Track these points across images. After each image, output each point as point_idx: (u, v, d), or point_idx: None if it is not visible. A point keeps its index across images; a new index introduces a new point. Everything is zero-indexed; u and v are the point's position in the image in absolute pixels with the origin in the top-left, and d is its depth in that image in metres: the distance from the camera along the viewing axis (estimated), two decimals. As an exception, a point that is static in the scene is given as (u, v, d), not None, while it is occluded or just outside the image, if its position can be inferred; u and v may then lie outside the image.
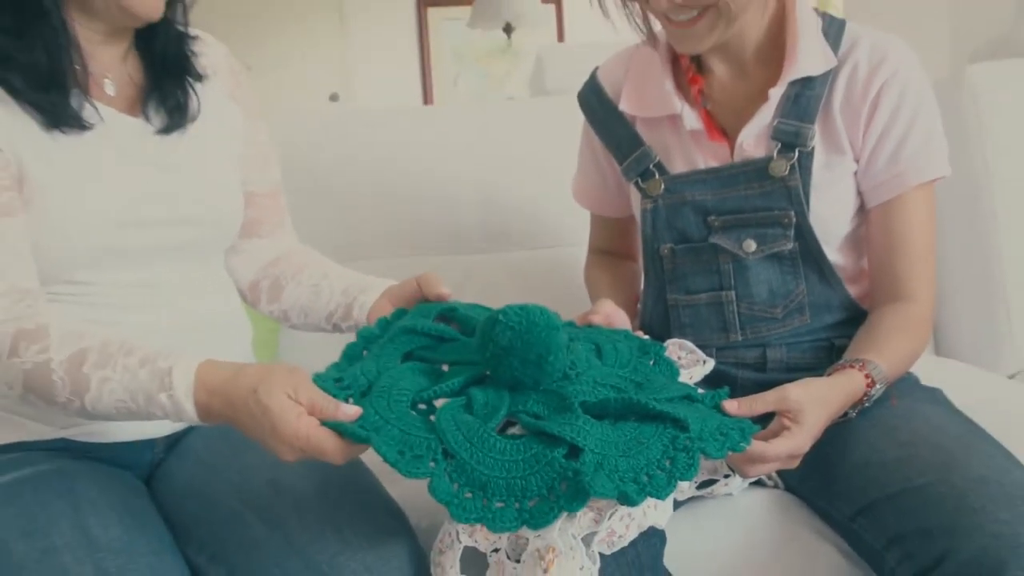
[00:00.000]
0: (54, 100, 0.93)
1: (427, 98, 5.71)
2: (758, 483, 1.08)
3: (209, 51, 1.12)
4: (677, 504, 1.01)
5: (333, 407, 0.81)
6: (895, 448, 0.98)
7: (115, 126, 0.99)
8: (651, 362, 0.98)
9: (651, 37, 1.16)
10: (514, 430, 0.84)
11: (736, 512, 1.05)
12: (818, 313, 1.12)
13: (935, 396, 1.11)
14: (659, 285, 1.18)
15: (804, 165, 1.09)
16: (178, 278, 1.05)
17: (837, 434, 1.01)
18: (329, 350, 0.98)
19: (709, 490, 1.02)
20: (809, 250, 1.10)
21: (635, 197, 1.20)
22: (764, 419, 0.95)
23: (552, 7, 5.57)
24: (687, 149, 1.15)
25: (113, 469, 1.00)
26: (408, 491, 0.97)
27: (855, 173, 1.11)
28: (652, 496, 0.78)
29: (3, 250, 0.90)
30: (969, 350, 1.64)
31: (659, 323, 1.19)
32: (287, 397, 0.80)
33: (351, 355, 0.94)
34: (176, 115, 1.04)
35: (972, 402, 1.13)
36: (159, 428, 1.03)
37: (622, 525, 0.84)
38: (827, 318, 1.13)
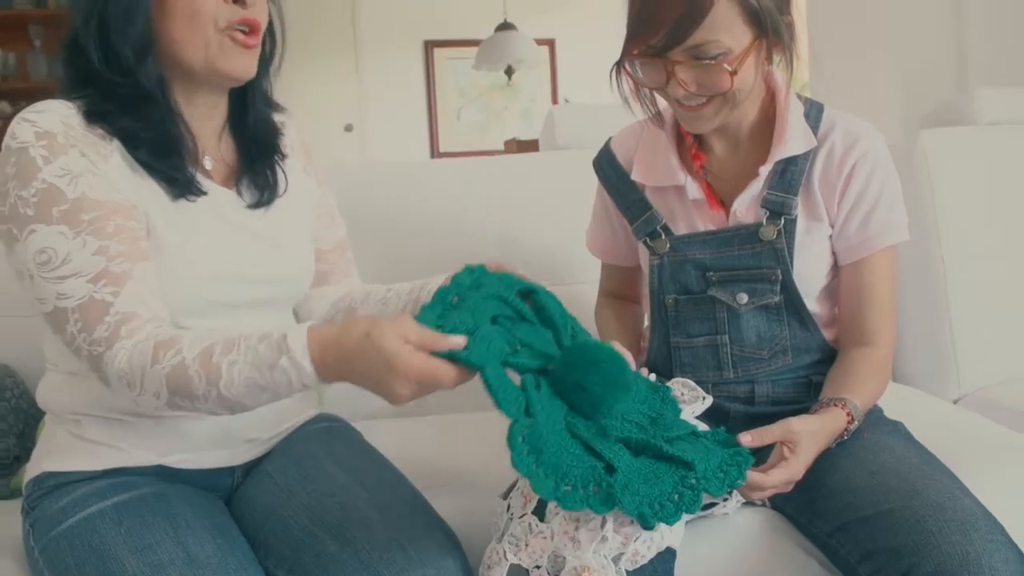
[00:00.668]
0: (176, 173, 0.97)
1: (432, 129, 5.73)
2: (749, 503, 1.12)
3: (288, 129, 1.15)
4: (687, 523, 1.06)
5: (441, 338, 0.81)
6: (866, 476, 1.03)
7: (216, 196, 1.03)
8: (660, 399, 1.02)
9: (658, 117, 1.20)
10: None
11: (732, 529, 1.09)
12: (798, 354, 1.17)
13: (897, 429, 1.16)
14: (664, 329, 1.22)
15: (789, 230, 1.14)
16: (258, 326, 1.08)
17: (818, 462, 1.05)
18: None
19: (710, 511, 1.07)
20: (792, 302, 1.15)
21: (643, 253, 1.24)
22: (765, 447, 1.01)
23: (546, 48, 5.61)
24: (689, 214, 1.19)
25: (200, 491, 1.03)
26: (456, 514, 1.01)
27: (830, 236, 1.16)
28: (662, 522, 0.84)
29: (147, 287, 0.93)
30: (920, 378, 1.69)
31: (663, 362, 1.23)
32: (397, 337, 0.80)
33: (443, 297, 0.90)
34: (266, 193, 1.07)
35: (922, 424, 1.19)
36: (237, 457, 1.07)
37: (644, 547, 0.89)
38: (806, 358, 1.18)
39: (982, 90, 1.81)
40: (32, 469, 1.05)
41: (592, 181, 1.36)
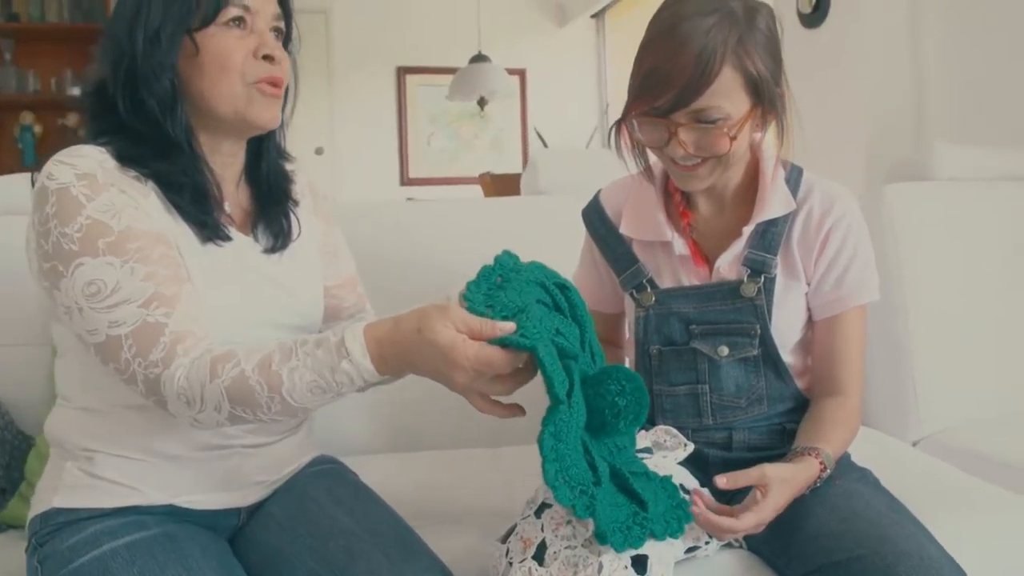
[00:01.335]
0: (208, 218, 1.01)
1: (403, 155, 5.78)
2: (728, 545, 1.18)
3: (298, 177, 1.20)
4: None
5: (491, 326, 0.84)
6: (838, 522, 1.08)
7: (237, 241, 1.06)
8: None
9: (648, 173, 1.26)
10: None
11: (714, 570, 1.14)
12: (773, 403, 1.23)
13: (866, 476, 1.22)
14: (647, 377, 1.26)
15: (768, 288, 1.20)
16: None
17: (792, 507, 1.10)
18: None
19: (692, 554, 1.12)
20: (769, 354, 1.21)
21: (629, 303, 1.29)
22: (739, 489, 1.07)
23: (517, 78, 5.71)
24: (675, 269, 1.24)
25: (206, 531, 1.06)
26: (457, 555, 1.06)
27: (806, 294, 1.22)
28: (612, 545, 0.90)
29: (196, 307, 0.96)
30: (881, 420, 1.77)
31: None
32: (447, 327, 0.83)
33: (487, 276, 0.93)
34: (280, 238, 1.12)
35: (884, 468, 1.25)
36: (244, 499, 1.10)
37: None
38: (780, 407, 1.24)
39: (941, 147, 1.92)
40: (39, 504, 1.07)
41: (573, 226, 1.41)
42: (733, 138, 1.11)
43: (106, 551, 0.98)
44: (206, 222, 1.01)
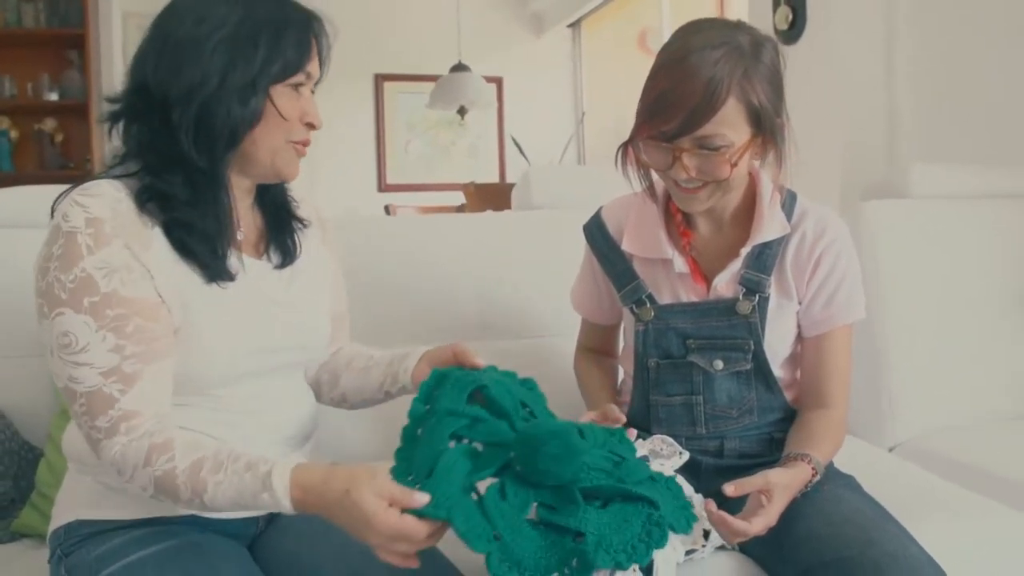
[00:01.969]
0: (216, 260, 1.05)
1: (380, 161, 5.81)
2: (721, 547, 1.23)
3: (304, 205, 1.25)
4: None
5: (409, 497, 0.90)
6: (826, 526, 1.15)
7: (249, 269, 1.11)
8: (618, 440, 1.11)
9: (652, 193, 1.31)
10: (532, 512, 0.98)
11: (710, 571, 1.20)
12: (763, 414, 1.30)
13: (850, 483, 1.29)
14: (644, 388, 1.33)
15: (762, 306, 1.27)
16: (280, 387, 1.17)
17: (783, 512, 1.16)
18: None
19: (690, 556, 1.18)
20: (761, 368, 1.28)
21: (628, 317, 1.35)
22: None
23: (494, 86, 5.77)
24: (674, 286, 1.30)
25: (227, 539, 1.10)
26: (465, 558, 1.10)
27: (797, 312, 1.29)
28: (636, 562, 0.94)
29: (157, 386, 1.01)
30: (859, 426, 1.83)
31: (641, 417, 1.34)
32: (373, 495, 0.90)
33: (408, 435, 1.02)
34: (288, 254, 1.17)
35: (861, 469, 1.32)
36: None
37: None
38: (769, 417, 1.31)
39: (915, 166, 2.01)
40: (61, 516, 1.11)
41: (564, 241, 1.46)
42: (734, 164, 1.17)
43: (134, 560, 1.02)
44: (209, 265, 1.05)
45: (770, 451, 1.30)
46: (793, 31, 2.89)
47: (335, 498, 0.92)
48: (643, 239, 1.33)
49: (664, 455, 1.23)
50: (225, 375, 1.08)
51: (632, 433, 1.17)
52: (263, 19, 1.04)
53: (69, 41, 4.71)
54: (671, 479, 1.09)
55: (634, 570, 0.97)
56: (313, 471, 0.96)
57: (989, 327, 1.95)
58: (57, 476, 1.32)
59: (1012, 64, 2.42)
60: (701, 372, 1.29)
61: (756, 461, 1.28)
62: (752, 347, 1.27)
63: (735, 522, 1.09)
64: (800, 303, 1.29)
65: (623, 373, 1.48)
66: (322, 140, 5.73)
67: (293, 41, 1.05)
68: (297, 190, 1.25)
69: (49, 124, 4.76)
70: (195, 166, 1.03)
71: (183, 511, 1.07)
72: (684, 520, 1.01)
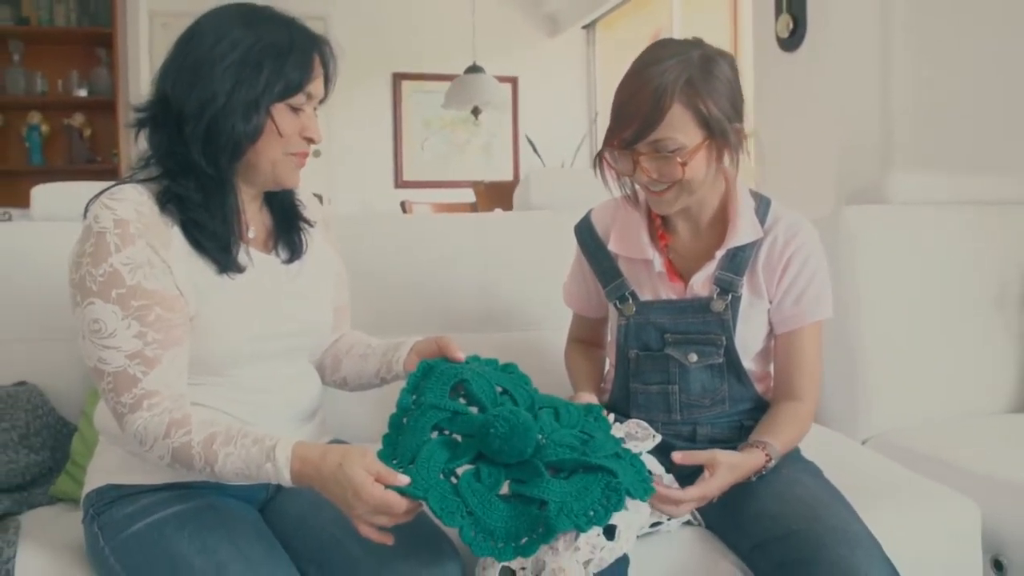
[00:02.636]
0: (227, 255, 1.17)
1: (397, 158, 5.92)
2: (688, 523, 1.35)
3: (311, 206, 1.37)
4: (638, 537, 1.28)
5: (392, 476, 1.03)
6: (780, 504, 1.25)
7: (258, 263, 1.23)
8: (593, 419, 1.23)
9: (635, 199, 1.41)
10: (505, 488, 1.10)
11: (674, 542, 1.31)
12: (734, 403, 1.40)
13: (810, 468, 1.39)
14: (625, 377, 1.44)
15: (734, 305, 1.36)
16: (287, 369, 1.29)
17: (743, 491, 1.27)
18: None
19: (656, 528, 1.29)
20: (732, 362, 1.38)
21: (612, 312, 1.46)
22: (694, 473, 1.24)
23: (509, 86, 5.87)
24: (654, 283, 1.41)
25: (242, 503, 1.22)
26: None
27: (768, 310, 1.39)
28: (596, 525, 1.06)
29: (174, 370, 1.13)
30: (834, 419, 1.93)
31: (622, 403, 1.45)
32: (363, 469, 1.02)
33: (394, 423, 1.14)
34: (295, 251, 1.29)
35: (831, 461, 1.41)
36: None
37: (608, 553, 1.10)
38: (740, 407, 1.41)
39: (895, 173, 2.10)
40: (93, 481, 1.24)
41: (560, 240, 1.55)
42: (684, 164, 1.26)
43: (158, 518, 1.15)
44: (224, 258, 1.17)
45: (739, 437, 1.39)
46: (793, 39, 2.97)
47: (329, 471, 1.03)
48: (627, 240, 1.43)
49: (638, 437, 1.34)
50: (235, 357, 1.20)
51: (610, 417, 1.27)
52: (270, 43, 1.15)
53: (98, 39, 4.87)
54: (636, 456, 1.19)
55: (597, 533, 1.09)
56: (312, 447, 1.08)
57: (962, 327, 2.03)
58: (89, 447, 1.47)
59: (1006, 74, 2.50)
60: (677, 364, 1.39)
61: (725, 446, 1.35)
62: (724, 342, 1.37)
63: (668, 491, 1.19)
64: (771, 302, 1.38)
65: (609, 363, 1.59)
66: (341, 137, 5.87)
67: (295, 64, 1.16)
68: (313, 188, 1.36)
69: (78, 119, 4.93)
70: (205, 173, 1.15)
71: (200, 477, 1.19)
72: (642, 489, 1.11)
